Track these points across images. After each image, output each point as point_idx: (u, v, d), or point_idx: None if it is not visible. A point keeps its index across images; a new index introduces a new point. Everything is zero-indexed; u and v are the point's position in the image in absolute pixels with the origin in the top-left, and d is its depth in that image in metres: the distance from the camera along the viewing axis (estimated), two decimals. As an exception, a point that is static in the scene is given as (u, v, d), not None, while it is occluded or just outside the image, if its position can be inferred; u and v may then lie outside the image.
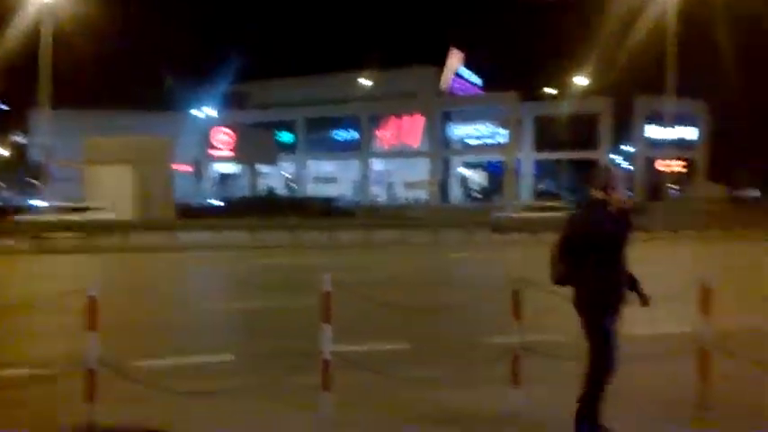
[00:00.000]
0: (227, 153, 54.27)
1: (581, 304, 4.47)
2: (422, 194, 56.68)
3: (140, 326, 9.02)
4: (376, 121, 63.20)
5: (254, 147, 55.61)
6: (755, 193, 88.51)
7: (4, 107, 72.83)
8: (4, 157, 71.96)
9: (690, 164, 57.64)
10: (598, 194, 4.44)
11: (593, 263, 4.36)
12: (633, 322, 8.12)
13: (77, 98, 59.09)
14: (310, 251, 21.02)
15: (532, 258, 16.93)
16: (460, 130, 63.05)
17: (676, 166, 50.74)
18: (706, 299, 5.04)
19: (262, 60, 73.87)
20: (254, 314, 10.06)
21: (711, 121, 58.60)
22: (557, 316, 8.43)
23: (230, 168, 61.41)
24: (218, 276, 16.22)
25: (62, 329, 8.28)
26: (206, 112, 59.84)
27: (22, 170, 65.44)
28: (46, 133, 33.63)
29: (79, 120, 42.96)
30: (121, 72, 63.30)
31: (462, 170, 67.09)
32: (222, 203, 39.27)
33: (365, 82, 58.90)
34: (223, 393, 5.53)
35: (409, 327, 8.46)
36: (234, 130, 53.86)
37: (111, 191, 26.57)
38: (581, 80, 53.15)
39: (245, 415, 5.15)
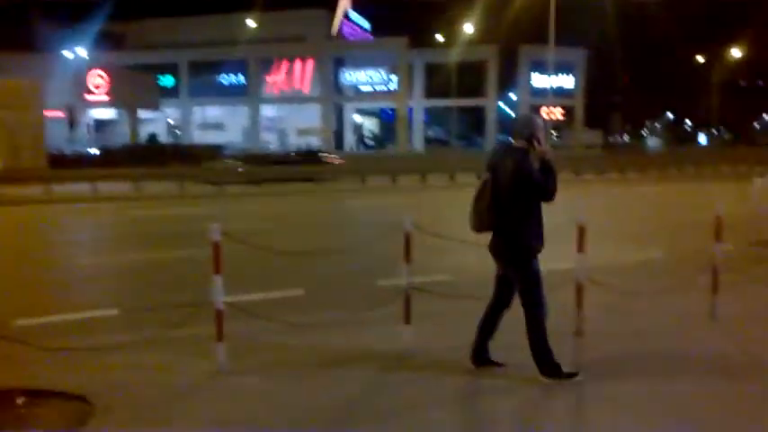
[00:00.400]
0: (102, 97, 50.52)
1: (507, 251, 4.56)
2: (315, 141, 56.09)
3: (13, 284, 8.44)
4: (265, 65, 61.17)
5: (132, 91, 52.12)
6: (626, 138, 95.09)
7: None
8: None
9: (569, 111, 60.72)
10: (521, 144, 4.51)
11: (523, 210, 4.46)
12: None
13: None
14: (197, 201, 20.34)
15: (419, 203, 17.30)
16: (353, 76, 62.47)
17: (558, 113, 53.34)
18: (581, 237, 5.39)
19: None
20: (139, 267, 9.67)
21: (589, 69, 61.65)
22: (443, 257, 8.78)
23: (107, 114, 57.46)
24: (97, 229, 15.35)
25: None
26: (78, 52, 55.25)
27: None
28: None
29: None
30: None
31: (356, 117, 66.90)
32: (99, 152, 36.84)
33: (252, 24, 56.58)
34: (111, 348, 5.32)
35: (302, 273, 8.48)
36: (109, 73, 50.02)
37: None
38: (468, 28, 53.98)
39: (137, 369, 5.00)
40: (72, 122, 40.65)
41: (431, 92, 60.73)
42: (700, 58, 65.73)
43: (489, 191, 4.52)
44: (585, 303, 5.51)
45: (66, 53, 54.10)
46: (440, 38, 62.41)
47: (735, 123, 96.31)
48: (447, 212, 14.14)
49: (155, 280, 8.67)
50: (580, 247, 5.40)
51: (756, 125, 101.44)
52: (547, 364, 4.56)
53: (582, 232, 5.41)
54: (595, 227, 5.99)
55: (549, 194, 4.46)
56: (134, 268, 9.61)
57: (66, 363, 5.04)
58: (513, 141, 4.60)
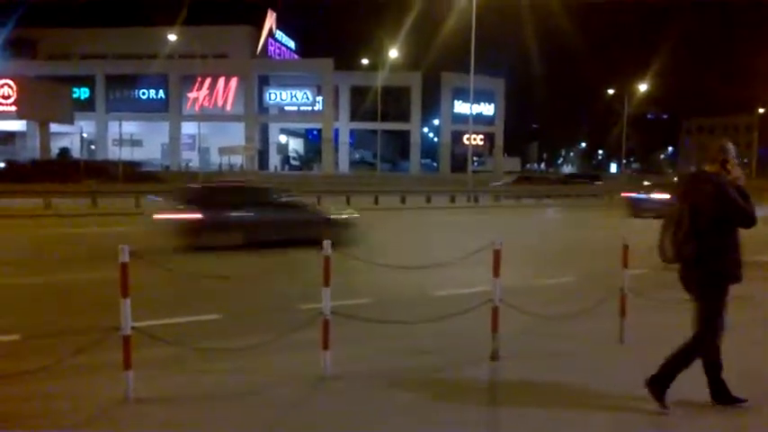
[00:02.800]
0: (10, 108, 47.75)
1: (705, 280, 4.39)
2: (238, 160, 55.11)
3: None
4: (187, 81, 59.83)
5: (44, 102, 49.60)
6: (543, 166, 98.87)
7: None
8: None
9: (489, 138, 62.67)
10: (713, 169, 4.41)
11: (723, 237, 4.33)
12: (444, 284, 8.69)
13: None
14: (112, 218, 19.49)
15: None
16: (277, 96, 62.11)
17: (479, 140, 54.91)
18: (497, 261, 5.52)
19: (57, 5, 65.94)
20: (45, 289, 9.11)
21: (508, 98, 63.98)
22: (364, 279, 8.77)
23: (15, 126, 54.38)
24: (3, 248, 14.40)
25: None
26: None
27: None
28: None
29: None
30: None
31: (281, 137, 66.35)
32: (3, 165, 34.77)
33: (174, 38, 55.36)
34: (10, 377, 4.95)
35: (222, 297, 8.24)
36: (18, 83, 47.40)
37: None
38: (393, 54, 54.94)
39: (37, 399, 4.67)
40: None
41: (356, 114, 61.20)
42: (611, 91, 69.47)
43: (688, 219, 4.35)
44: (500, 326, 5.62)
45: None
46: (365, 61, 63.18)
47: (643, 154, 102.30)
48: (371, 235, 14.18)
49: (62, 303, 8.19)
50: (496, 271, 5.52)
51: (662, 155, 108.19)
52: (663, 381, 4.51)
53: (497, 256, 5.54)
54: (512, 251, 6.14)
55: (751, 220, 4.32)
56: (40, 290, 9.05)
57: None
58: (706, 168, 4.49)
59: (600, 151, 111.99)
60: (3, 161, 36.89)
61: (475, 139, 48.47)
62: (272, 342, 5.62)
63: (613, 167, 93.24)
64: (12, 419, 4.30)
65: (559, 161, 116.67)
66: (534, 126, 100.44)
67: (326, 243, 5.14)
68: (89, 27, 60.71)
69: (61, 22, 61.11)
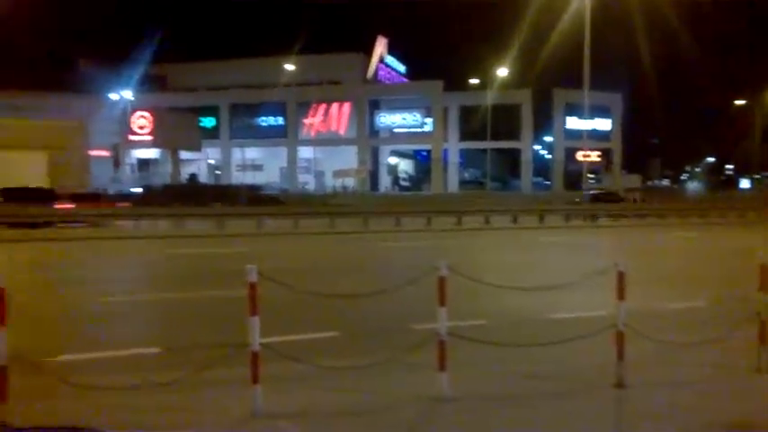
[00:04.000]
0: (146, 138, 52.13)
1: None
2: (351, 182, 56.66)
3: (57, 319, 8.61)
4: (303, 107, 62.50)
5: (174, 131, 53.69)
6: (666, 182, 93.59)
7: None
8: None
9: (606, 154, 60.26)
10: None
11: None
12: (558, 307, 8.45)
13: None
14: (237, 240, 20.62)
15: (454, 246, 17.19)
16: (388, 119, 63.37)
17: (594, 156, 52.92)
18: (621, 283, 5.30)
19: (183, 41, 71.44)
20: (178, 305, 9.79)
21: (626, 113, 61.39)
22: (478, 300, 8.69)
23: (150, 154, 59.17)
24: (138, 266, 15.66)
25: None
26: (124, 94, 57.37)
27: None
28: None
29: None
30: (33, 53, 59.77)
31: (391, 159, 67.55)
32: (141, 190, 37.82)
33: (291, 67, 58.11)
34: (144, 388, 5.36)
35: (337, 315, 8.47)
36: (153, 114, 51.72)
37: (24, 178, 25.14)
38: (503, 72, 54.42)
39: (168, 411, 5.02)
40: (116, 162, 41.94)
41: (466, 134, 61.10)
42: (739, 102, 64.85)
43: None
44: (626, 353, 5.37)
45: (113, 95, 56.17)
46: (474, 81, 63.08)
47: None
48: (483, 255, 14.05)
49: (192, 319, 8.76)
50: (620, 294, 5.30)
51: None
52: None
53: (621, 278, 5.32)
54: (635, 273, 5.88)
55: None
56: (172, 307, 9.73)
57: (98, 401, 5.09)
58: None
59: (729, 166, 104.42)
60: (141, 186, 40.09)
61: (590, 156, 46.81)
62: (389, 362, 5.70)
63: (745, 182, 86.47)
64: (144, 430, 4.63)
65: (683, 177, 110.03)
66: (655, 141, 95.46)
67: (443, 264, 5.17)
68: (214, 60, 65.04)
69: (189, 57, 65.90)
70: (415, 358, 5.72)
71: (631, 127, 64.26)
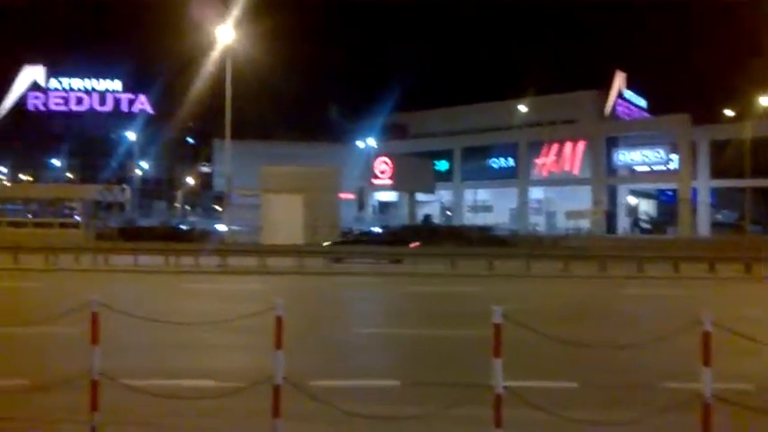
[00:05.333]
0: (386, 182, 56.11)
1: None
2: (585, 224, 54.30)
3: (307, 347, 9.49)
4: (534, 147, 61.93)
5: (412, 175, 56.94)
6: None
7: (192, 141, 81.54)
8: (192, 185, 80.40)
9: None
10: None
11: None
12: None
13: (255, 131, 64.80)
14: (469, 280, 20.93)
15: (708, 296, 15.46)
16: (627, 156, 59.88)
17: None
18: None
19: (421, 91, 75.81)
20: (418, 341, 10.19)
21: None
22: (743, 360, 7.66)
23: (389, 196, 63.27)
24: (380, 301, 16.68)
25: (244, 346, 9.06)
26: (368, 142, 62.47)
27: (207, 197, 72.70)
28: (227, 163, 36.89)
29: (257, 150, 46.77)
30: (293, 105, 68.43)
31: (630, 199, 63.49)
32: (381, 231, 40.46)
33: (523, 108, 58.14)
34: (396, 419, 5.65)
35: (580, 364, 8.12)
36: (393, 160, 55.62)
37: (284, 217, 28.48)
38: (764, 101, 48.24)
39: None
40: (361, 204, 45.59)
41: (718, 171, 55.00)
42: None
43: None
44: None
45: (359, 143, 61.54)
46: (728, 112, 56.83)
47: None
48: (745, 309, 12.46)
49: (430, 356, 9.06)
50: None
51: None
52: None
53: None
54: None
55: None
56: (410, 342, 10.16)
57: (355, 427, 5.47)
58: None
59: None
60: (380, 226, 42.92)
61: None
62: (637, 422, 5.30)
63: None
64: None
65: None
66: None
67: (707, 317, 4.71)
68: (449, 107, 67.88)
69: (426, 105, 69.64)
70: (666, 419, 5.24)
71: None
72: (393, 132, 68.13)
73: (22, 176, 75.60)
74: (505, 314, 5.05)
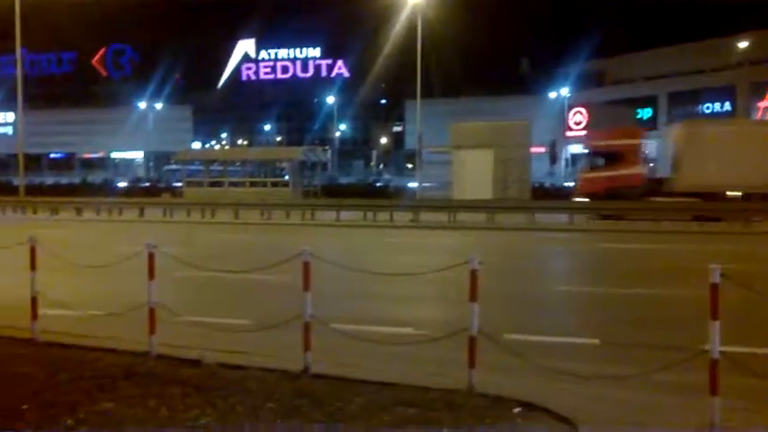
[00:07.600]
0: (581, 133, 53.28)
1: None
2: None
3: (501, 301, 9.43)
4: (757, 89, 54.49)
5: (609, 125, 53.34)
6: None
7: (384, 101, 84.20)
8: (385, 144, 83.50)
9: None
10: None
11: None
12: None
13: (445, 88, 65.01)
14: (679, 236, 19.34)
15: None
16: None
17: None
18: None
19: (619, 35, 70.15)
20: (621, 300, 9.68)
21: None
22: None
23: (579, 149, 60.04)
24: (573, 258, 16.11)
25: (441, 298, 9.34)
26: (562, 93, 59.65)
27: (400, 155, 75.18)
28: (418, 121, 37.58)
29: (446, 107, 47.07)
30: (482, 61, 67.21)
31: None
32: (573, 185, 38.58)
33: (743, 44, 51.18)
34: (593, 378, 5.47)
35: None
36: (589, 109, 52.43)
37: (474, 173, 28.39)
38: None
39: (621, 406, 4.99)
40: (553, 158, 43.93)
41: None
42: None
43: None
44: None
45: (551, 93, 58.98)
46: None
47: None
48: None
49: (638, 316, 8.57)
50: None
51: None
52: None
53: None
54: None
55: None
56: (611, 302, 9.67)
57: (552, 382, 5.39)
58: None
59: None
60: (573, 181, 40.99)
61: None
62: None
63: None
64: (598, 420, 4.69)
65: None
66: None
67: None
68: (652, 49, 62.01)
69: (625, 50, 64.26)
70: None
71: None
72: (589, 81, 64.16)
73: (239, 141, 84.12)
74: (725, 274, 4.57)
